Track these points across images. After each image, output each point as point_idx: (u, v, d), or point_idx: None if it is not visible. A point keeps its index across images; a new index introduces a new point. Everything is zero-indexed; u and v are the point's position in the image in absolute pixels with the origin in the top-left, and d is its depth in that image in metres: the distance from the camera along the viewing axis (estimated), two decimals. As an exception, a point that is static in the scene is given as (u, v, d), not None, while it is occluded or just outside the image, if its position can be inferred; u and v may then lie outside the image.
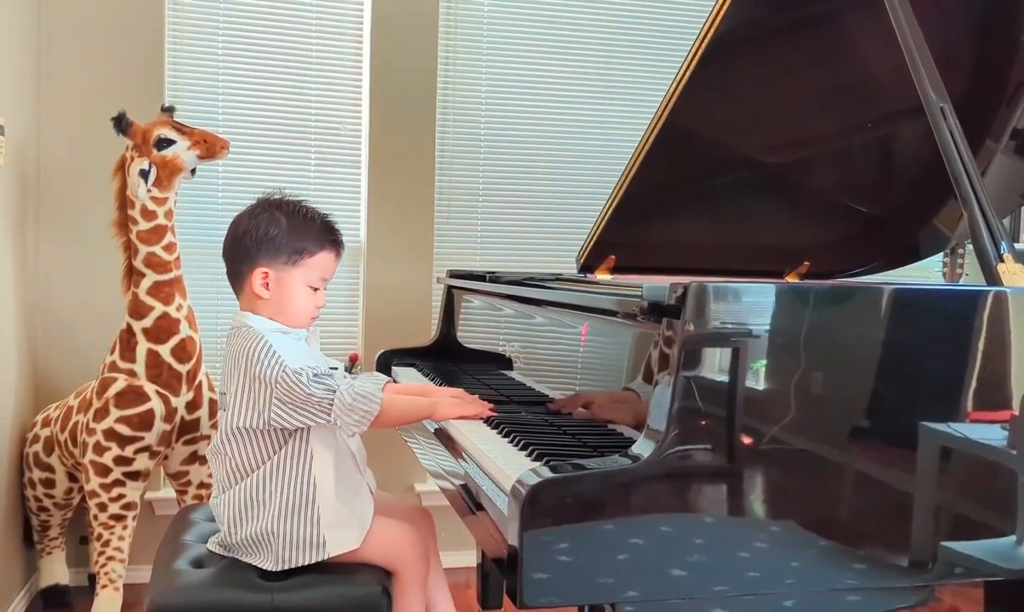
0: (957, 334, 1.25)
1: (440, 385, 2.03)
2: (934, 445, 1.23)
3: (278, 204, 1.68)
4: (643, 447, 1.13)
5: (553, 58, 3.29)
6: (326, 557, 1.60)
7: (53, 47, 2.87)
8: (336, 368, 1.72)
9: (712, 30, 1.80)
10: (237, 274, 1.68)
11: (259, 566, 1.61)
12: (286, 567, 1.60)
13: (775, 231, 2.36)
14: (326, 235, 1.69)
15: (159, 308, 2.43)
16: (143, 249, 2.42)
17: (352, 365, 3.10)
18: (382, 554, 1.67)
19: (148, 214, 2.42)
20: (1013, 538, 1.26)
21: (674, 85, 1.90)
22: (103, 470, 2.39)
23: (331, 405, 1.54)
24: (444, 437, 1.64)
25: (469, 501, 1.37)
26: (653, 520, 1.11)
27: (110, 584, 2.41)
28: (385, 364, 2.36)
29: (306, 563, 1.60)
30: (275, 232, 1.64)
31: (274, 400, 1.54)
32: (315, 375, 1.55)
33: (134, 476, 2.42)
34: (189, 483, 2.59)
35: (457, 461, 1.49)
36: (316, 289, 1.69)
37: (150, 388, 2.41)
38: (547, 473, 1.09)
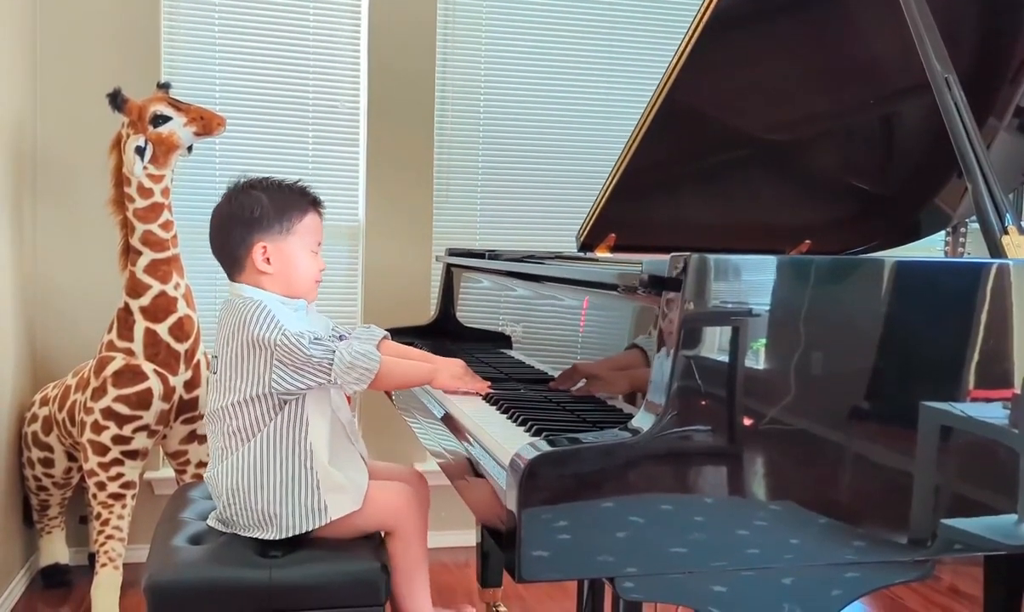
0: (960, 308, 1.23)
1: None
2: (935, 423, 1.22)
3: (250, 184, 1.69)
4: (642, 420, 1.12)
5: (553, 34, 3.26)
6: (327, 521, 1.60)
7: (49, 25, 2.84)
8: (343, 337, 1.72)
9: (712, 5, 1.78)
10: (235, 259, 1.68)
11: (260, 538, 1.61)
12: (289, 534, 1.60)
13: (776, 210, 2.35)
14: (305, 198, 1.72)
15: (156, 287, 2.42)
16: (140, 227, 2.41)
17: (351, 345, 3.09)
18: (379, 515, 1.68)
19: (144, 192, 2.41)
20: (1014, 516, 1.25)
21: (674, 61, 1.89)
22: (101, 449, 2.39)
23: (331, 365, 1.55)
24: (447, 420, 1.63)
25: (469, 475, 1.36)
26: (652, 494, 1.11)
27: (110, 563, 2.41)
28: (384, 343, 2.35)
29: (308, 529, 1.60)
30: (259, 210, 1.66)
31: (275, 362, 1.55)
32: (315, 338, 1.57)
33: (132, 455, 2.42)
34: (188, 462, 2.59)
35: (461, 443, 1.47)
36: (315, 253, 1.72)
37: (148, 367, 2.41)
38: (545, 447, 1.08)
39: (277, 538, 1.60)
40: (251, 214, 1.65)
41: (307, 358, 1.54)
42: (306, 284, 1.70)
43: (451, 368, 1.70)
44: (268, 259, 1.65)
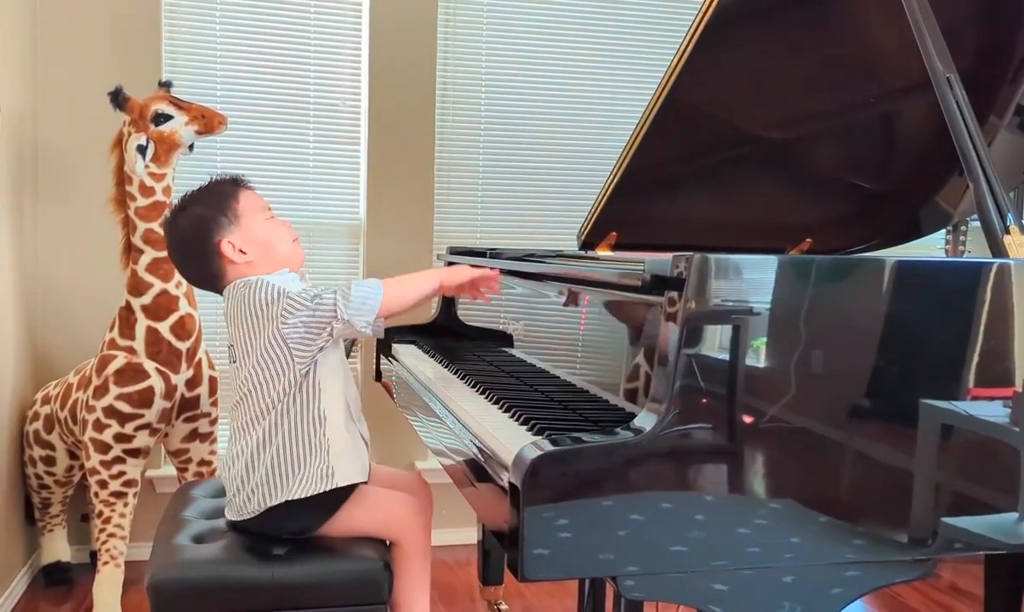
0: (961, 308, 1.23)
1: (441, 361, 2.03)
2: (936, 421, 1.22)
3: (178, 208, 1.73)
4: (644, 420, 1.12)
5: (554, 33, 3.26)
6: (334, 486, 1.60)
7: (49, 21, 2.84)
8: None
9: (714, 4, 1.78)
10: (213, 271, 1.69)
11: (268, 505, 1.61)
12: (296, 496, 1.59)
13: (777, 208, 2.34)
14: (227, 184, 1.74)
15: (158, 285, 2.42)
16: (141, 225, 2.41)
17: (352, 343, 3.09)
18: (384, 524, 1.68)
19: (146, 190, 2.41)
20: (1015, 514, 1.25)
21: (676, 60, 1.88)
22: (103, 447, 2.39)
23: (335, 305, 1.55)
24: (449, 419, 1.63)
25: (471, 474, 1.36)
26: (654, 493, 1.11)
27: (111, 561, 2.42)
28: (386, 341, 2.36)
29: (314, 493, 1.60)
30: (200, 222, 1.68)
31: (285, 328, 1.55)
32: (314, 295, 1.58)
33: (134, 453, 2.42)
34: (190, 460, 2.59)
35: (463, 442, 1.48)
36: (273, 220, 1.75)
37: (150, 365, 2.41)
38: (547, 446, 1.08)
39: (287, 499, 1.60)
40: (197, 227, 1.68)
41: (312, 309, 1.55)
42: (286, 247, 1.72)
43: (452, 283, 1.72)
44: (240, 249, 1.67)
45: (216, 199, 1.70)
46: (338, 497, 1.64)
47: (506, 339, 1.95)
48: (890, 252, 2.38)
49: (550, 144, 3.28)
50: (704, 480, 1.14)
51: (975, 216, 1.48)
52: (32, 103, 2.81)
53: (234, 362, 1.65)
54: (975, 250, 3.17)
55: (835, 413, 1.19)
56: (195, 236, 1.68)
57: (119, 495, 2.42)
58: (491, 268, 1.75)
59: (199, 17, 2.98)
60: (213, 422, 2.59)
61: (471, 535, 2.71)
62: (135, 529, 2.52)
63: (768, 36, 1.95)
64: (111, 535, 2.42)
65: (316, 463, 1.60)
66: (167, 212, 1.76)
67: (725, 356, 1.14)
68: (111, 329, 2.46)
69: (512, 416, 1.43)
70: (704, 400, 1.13)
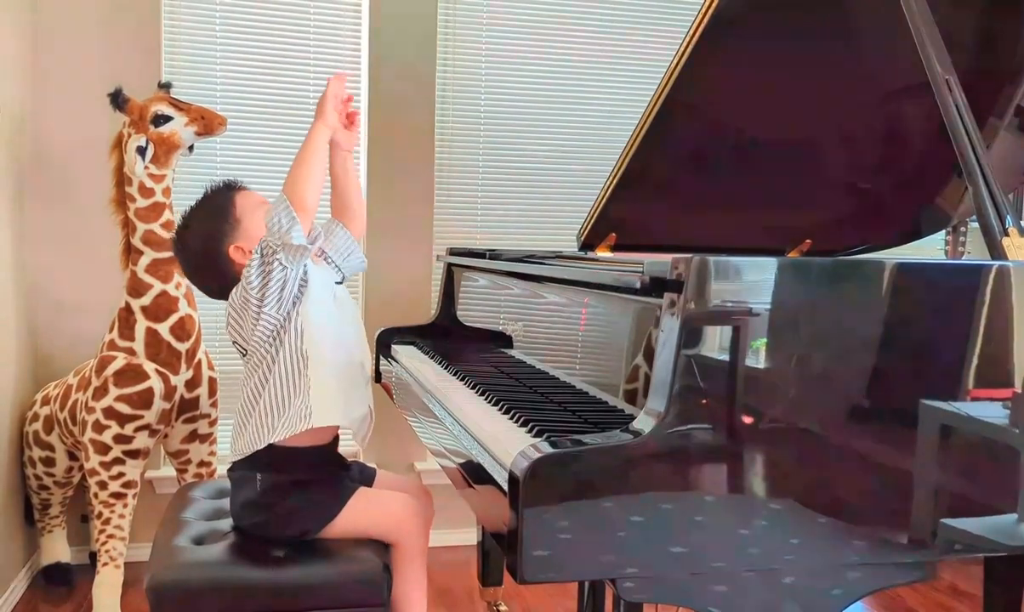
0: (960, 310, 1.24)
1: (440, 362, 2.03)
2: (936, 423, 1.22)
3: (182, 228, 1.76)
4: (644, 422, 1.12)
5: (554, 34, 3.26)
6: (310, 427, 1.60)
7: (48, 22, 2.84)
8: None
9: (713, 5, 1.78)
10: (232, 279, 1.69)
11: (252, 448, 1.62)
12: (270, 440, 1.61)
13: (777, 209, 2.35)
14: (223, 190, 1.76)
15: (158, 286, 2.42)
16: (141, 227, 2.42)
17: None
18: (383, 524, 1.68)
19: (146, 191, 2.41)
20: (1015, 516, 1.25)
21: (675, 61, 1.89)
22: (103, 448, 2.39)
23: (267, 241, 1.58)
24: (448, 420, 1.63)
25: (469, 476, 1.37)
26: (653, 495, 1.11)
27: (111, 562, 2.42)
28: (385, 343, 2.36)
29: (290, 434, 1.60)
30: (205, 236, 1.71)
31: (254, 291, 1.59)
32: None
33: (134, 454, 2.42)
34: (189, 461, 2.59)
35: (462, 443, 1.48)
36: None
37: (149, 366, 2.41)
38: (547, 448, 1.08)
39: (260, 444, 1.61)
40: (204, 242, 1.71)
41: (257, 257, 1.58)
42: None
43: (325, 111, 1.69)
44: (249, 251, 1.68)
45: (214, 209, 1.73)
46: (339, 498, 1.65)
47: (505, 340, 1.95)
48: (890, 253, 2.39)
49: (550, 144, 3.28)
50: (704, 481, 1.13)
51: (975, 217, 1.48)
52: (32, 103, 2.81)
53: (245, 355, 1.67)
54: (975, 252, 3.17)
55: (835, 414, 1.19)
56: (204, 251, 1.71)
57: (119, 496, 2.42)
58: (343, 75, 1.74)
59: (199, 17, 2.98)
60: (213, 423, 2.59)
61: (471, 536, 2.71)
62: (135, 530, 2.52)
63: (769, 36, 1.95)
64: (111, 536, 2.42)
65: (297, 403, 1.61)
66: (173, 236, 1.79)
67: (724, 358, 1.14)
68: (111, 330, 2.46)
69: (511, 418, 1.43)
70: (703, 402, 1.13)
